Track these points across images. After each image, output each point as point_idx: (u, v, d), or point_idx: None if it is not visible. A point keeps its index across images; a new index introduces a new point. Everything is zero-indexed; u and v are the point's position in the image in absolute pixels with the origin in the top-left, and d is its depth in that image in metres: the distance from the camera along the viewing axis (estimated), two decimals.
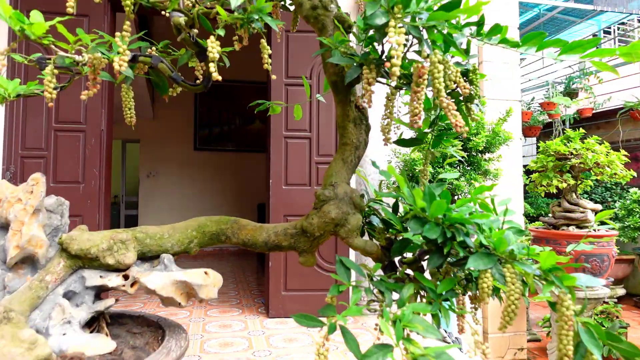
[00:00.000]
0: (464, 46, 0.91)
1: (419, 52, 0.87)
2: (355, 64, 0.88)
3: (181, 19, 0.90)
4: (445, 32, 0.73)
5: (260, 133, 9.37)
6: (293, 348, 3.62)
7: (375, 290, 0.84)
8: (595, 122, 8.75)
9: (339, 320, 0.73)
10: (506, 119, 3.79)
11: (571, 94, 8.65)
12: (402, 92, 1.24)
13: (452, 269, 0.95)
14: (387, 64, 0.65)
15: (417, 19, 0.70)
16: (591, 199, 6.50)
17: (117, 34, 0.76)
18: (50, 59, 0.78)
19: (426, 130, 1.13)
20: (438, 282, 0.97)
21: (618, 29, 9.70)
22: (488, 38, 0.92)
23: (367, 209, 1.12)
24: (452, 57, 0.96)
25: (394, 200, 1.08)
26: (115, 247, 0.87)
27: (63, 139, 4.23)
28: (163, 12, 0.85)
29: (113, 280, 0.86)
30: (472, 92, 0.94)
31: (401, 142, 1.13)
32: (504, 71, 4.88)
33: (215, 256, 9.12)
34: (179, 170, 9.40)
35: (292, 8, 1.17)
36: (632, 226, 4.45)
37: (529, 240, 4.69)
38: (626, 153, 2.60)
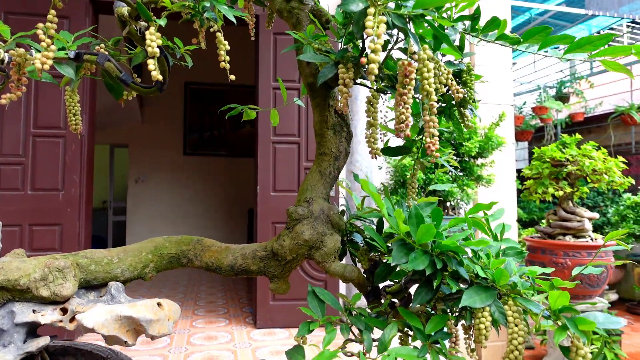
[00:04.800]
0: (457, 43, 0.79)
1: (405, 51, 0.75)
2: (331, 62, 0.76)
3: (124, 9, 0.78)
4: (435, 25, 0.61)
5: (251, 138, 9.22)
6: None
7: (354, 328, 0.72)
8: (586, 126, 8.72)
9: None
10: (499, 124, 3.70)
11: (563, 98, 8.62)
12: (389, 95, 1.12)
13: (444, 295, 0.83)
14: (364, 60, 0.53)
15: (401, 7, 0.58)
16: (583, 204, 6.44)
17: (40, 25, 0.63)
18: None
19: (415, 137, 1.02)
20: (428, 308, 0.85)
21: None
22: (484, 34, 0.81)
23: (348, 227, 1.00)
24: (443, 56, 0.85)
25: (379, 217, 0.96)
26: (50, 277, 0.74)
27: (42, 145, 4.06)
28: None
29: (47, 315, 0.73)
30: (465, 96, 0.83)
31: (387, 150, 1.01)
32: (497, 75, 4.80)
33: None
34: (169, 175, 9.23)
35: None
36: (625, 232, 4.37)
37: (523, 246, 4.59)
38: (624, 160, 2.51)
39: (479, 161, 3.84)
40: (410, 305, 0.69)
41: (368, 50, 0.53)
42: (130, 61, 0.98)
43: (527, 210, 7.58)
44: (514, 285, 0.63)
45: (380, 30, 0.52)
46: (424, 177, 3.62)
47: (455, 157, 3.75)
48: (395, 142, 1.08)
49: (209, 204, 9.39)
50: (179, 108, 9.18)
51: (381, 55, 0.64)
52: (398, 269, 0.81)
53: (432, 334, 0.68)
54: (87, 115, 4.06)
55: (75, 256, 0.81)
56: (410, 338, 0.76)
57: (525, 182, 2.89)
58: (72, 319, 0.75)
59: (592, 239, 2.57)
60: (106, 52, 0.85)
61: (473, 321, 0.65)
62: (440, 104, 0.90)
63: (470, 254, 0.68)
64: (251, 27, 1.06)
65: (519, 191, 5.41)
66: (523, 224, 7.06)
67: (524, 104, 8.81)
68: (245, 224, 9.26)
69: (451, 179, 3.78)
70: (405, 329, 0.76)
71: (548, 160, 2.58)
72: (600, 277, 2.43)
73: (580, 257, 2.40)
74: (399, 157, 3.87)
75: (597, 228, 5.99)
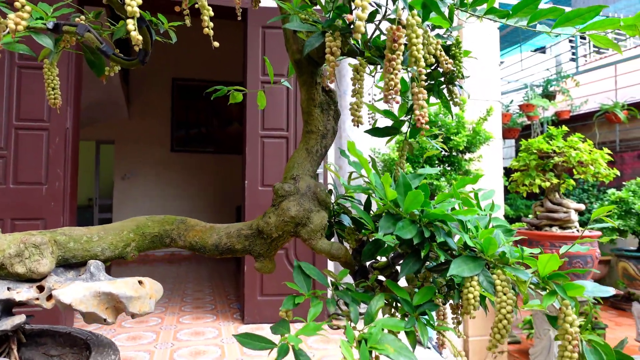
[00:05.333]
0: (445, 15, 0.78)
1: (393, 21, 0.74)
2: (318, 32, 0.74)
3: None
4: None
5: (240, 135, 9.16)
6: (268, 356, 3.46)
7: (341, 302, 0.71)
8: (572, 124, 8.82)
9: (292, 342, 0.59)
10: (487, 118, 3.71)
11: (549, 96, 8.71)
12: (377, 77, 1.11)
13: (432, 274, 0.82)
14: (350, 17, 0.52)
15: None
16: None
17: None
18: None
19: (403, 117, 1.01)
20: (416, 290, 0.84)
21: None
22: (473, 8, 0.80)
23: (336, 207, 0.98)
24: (432, 29, 0.84)
25: (367, 196, 0.94)
26: (26, 253, 0.71)
27: (24, 137, 3.98)
28: None
29: (23, 292, 0.70)
30: (454, 69, 0.82)
31: (374, 131, 1.00)
32: (484, 71, 4.83)
33: (191, 260, 8.88)
34: (156, 172, 9.12)
35: None
36: (610, 227, 4.42)
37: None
38: (609, 151, 2.54)
39: (467, 156, 3.85)
40: (398, 275, 0.68)
41: (354, 8, 0.51)
42: (112, 36, 0.95)
43: (514, 207, 7.66)
44: (502, 254, 0.63)
45: None
46: (412, 172, 3.61)
47: (443, 152, 3.76)
48: (384, 123, 1.06)
49: (197, 201, 9.31)
50: (166, 104, 9.08)
51: (370, 28, 0.62)
52: (386, 245, 0.79)
53: (420, 305, 0.67)
54: (72, 108, 3.99)
55: (53, 233, 0.78)
56: (397, 311, 0.75)
57: (512, 175, 2.92)
58: (50, 297, 0.73)
59: (578, 230, 2.59)
60: (86, 24, 0.82)
61: (462, 292, 0.64)
62: (428, 81, 0.89)
63: (458, 226, 0.68)
64: (238, 5, 1.03)
65: (506, 189, 5.46)
66: (510, 220, 7.12)
67: (511, 102, 8.89)
68: (234, 221, 9.20)
69: (439, 173, 3.79)
70: (393, 303, 0.75)
71: (535, 152, 2.60)
72: (586, 267, 2.45)
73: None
74: (390, 151, 3.86)
75: (582, 224, 6.07)
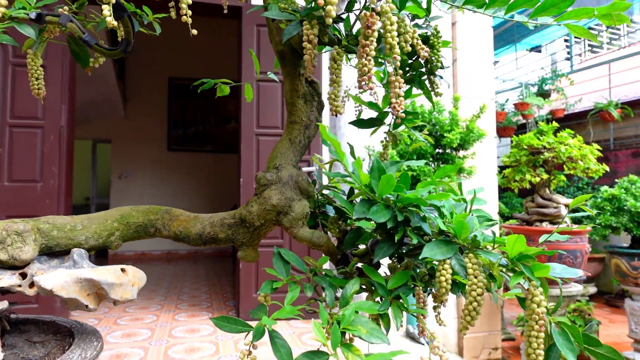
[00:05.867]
0: (423, 5, 0.79)
1: (367, 9, 0.75)
2: (296, 20, 0.75)
3: None
4: None
5: (236, 134, 9.17)
6: (262, 352, 3.46)
7: (321, 289, 0.72)
8: (567, 123, 8.86)
9: (266, 323, 0.60)
10: (480, 116, 3.73)
11: (544, 95, 8.75)
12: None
13: (413, 263, 0.83)
14: (321, 1, 0.53)
15: None
16: None
17: None
18: None
19: (387, 109, 1.02)
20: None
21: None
22: None
23: (321, 198, 1.00)
24: (412, 20, 0.85)
25: (350, 187, 0.95)
26: (9, 240, 0.72)
27: (19, 135, 3.98)
28: None
29: (5, 279, 0.71)
30: (432, 58, 0.83)
31: (359, 122, 1.01)
32: (478, 69, 4.84)
33: (189, 259, 8.89)
34: (153, 171, 9.11)
35: None
36: (603, 224, 4.45)
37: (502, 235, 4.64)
38: (599, 147, 2.56)
39: (461, 153, 3.87)
40: (373, 260, 0.69)
41: None
42: (97, 28, 0.95)
43: (509, 206, 7.69)
44: (474, 238, 0.64)
45: None
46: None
47: (436, 149, 3.78)
48: (368, 114, 1.07)
49: (194, 200, 9.31)
50: (163, 103, 9.08)
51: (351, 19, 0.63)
52: (367, 234, 0.80)
53: (395, 289, 0.68)
54: (67, 105, 4.00)
55: (37, 221, 0.79)
56: (376, 296, 0.76)
57: (503, 171, 2.93)
58: (32, 285, 0.74)
59: (568, 225, 2.61)
60: (69, 15, 0.83)
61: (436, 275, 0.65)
62: (410, 72, 0.91)
63: (435, 214, 0.69)
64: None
65: (501, 189, 5.47)
66: (505, 218, 7.15)
67: (507, 101, 8.92)
68: None
69: (432, 170, 3.80)
70: (371, 288, 0.76)
71: (526, 147, 2.62)
72: (575, 263, 2.47)
73: (557, 243, 2.43)
74: (381, 150, 3.87)
75: (576, 221, 6.10)
